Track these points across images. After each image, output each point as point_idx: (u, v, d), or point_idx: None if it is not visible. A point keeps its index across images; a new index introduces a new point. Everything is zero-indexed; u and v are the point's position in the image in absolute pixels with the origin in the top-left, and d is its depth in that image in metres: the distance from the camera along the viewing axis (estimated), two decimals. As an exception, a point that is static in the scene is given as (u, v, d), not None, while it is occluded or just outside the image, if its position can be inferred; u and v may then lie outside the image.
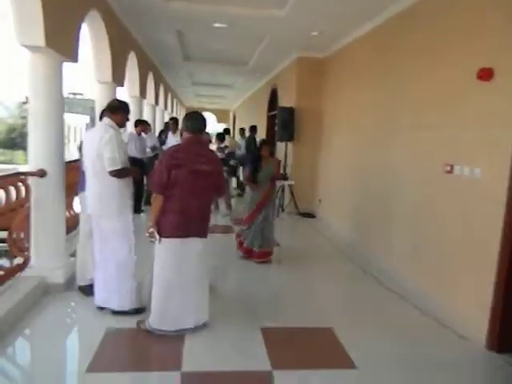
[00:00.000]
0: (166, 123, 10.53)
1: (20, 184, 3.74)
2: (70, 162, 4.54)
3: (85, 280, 3.78)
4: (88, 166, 3.36)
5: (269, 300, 4.09)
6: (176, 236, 3.06)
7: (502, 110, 3.17)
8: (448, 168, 3.76)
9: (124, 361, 2.92)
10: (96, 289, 3.48)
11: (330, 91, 7.70)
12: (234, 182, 10.22)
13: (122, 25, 6.21)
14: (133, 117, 6.58)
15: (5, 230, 3.68)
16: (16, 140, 35.62)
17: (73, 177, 4.52)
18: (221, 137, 8.68)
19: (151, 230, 3.06)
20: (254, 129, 10.66)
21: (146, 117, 9.68)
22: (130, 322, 3.28)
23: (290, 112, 8.09)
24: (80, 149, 3.83)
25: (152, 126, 9.18)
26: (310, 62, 8.03)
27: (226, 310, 3.71)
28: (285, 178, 5.28)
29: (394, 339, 3.35)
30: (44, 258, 3.83)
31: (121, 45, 6.12)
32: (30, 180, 3.75)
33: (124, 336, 3.20)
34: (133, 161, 3.94)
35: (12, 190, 3.72)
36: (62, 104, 3.89)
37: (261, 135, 10.96)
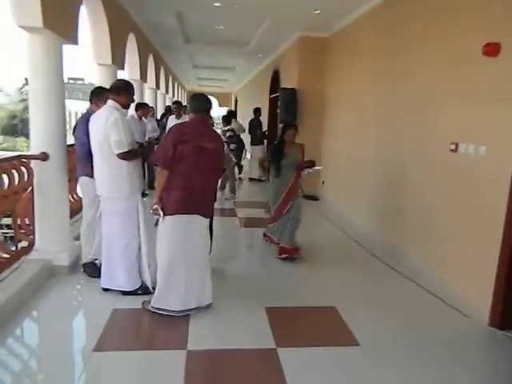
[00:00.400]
0: (168, 107, 10.45)
1: (23, 168, 3.74)
2: (71, 145, 4.52)
3: (85, 257, 3.86)
4: (95, 149, 3.35)
5: (273, 281, 4.12)
6: (180, 212, 3.06)
7: (509, 86, 3.11)
8: (453, 147, 3.72)
9: (130, 340, 2.95)
10: (102, 270, 3.51)
11: (333, 71, 7.59)
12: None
13: (121, 6, 6.11)
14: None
15: (9, 214, 3.70)
16: (18, 127, 35.55)
17: (74, 160, 4.53)
18: (226, 119, 8.58)
19: (155, 206, 3.06)
20: (258, 111, 10.37)
21: (147, 101, 9.61)
22: (136, 303, 3.31)
23: (292, 93, 8.00)
24: (74, 132, 3.84)
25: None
26: (313, 41, 7.89)
27: (231, 290, 3.74)
28: (313, 165, 4.54)
29: (397, 317, 3.38)
30: (48, 241, 3.86)
31: (120, 26, 6.03)
32: (33, 163, 3.74)
33: (130, 316, 3.23)
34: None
35: (15, 173, 3.71)
36: (62, 86, 3.85)
37: (263, 118, 10.87)
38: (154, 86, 10.11)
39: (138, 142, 3.58)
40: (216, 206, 4.03)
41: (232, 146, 8.04)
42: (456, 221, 3.69)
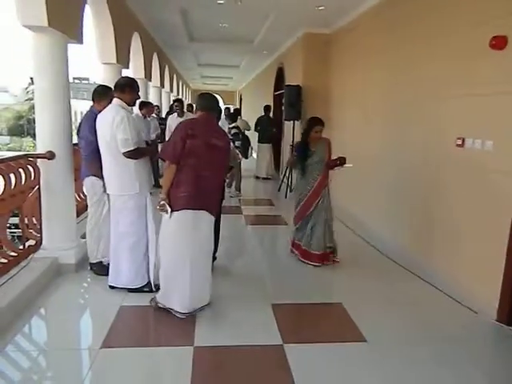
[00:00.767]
0: (172, 105, 10.46)
1: (30, 167, 3.76)
2: (76, 144, 4.55)
3: (93, 257, 3.87)
4: (103, 148, 3.36)
5: (279, 278, 4.12)
6: (188, 207, 3.03)
7: (516, 80, 3.08)
8: (459, 142, 3.69)
9: (137, 337, 2.96)
10: (110, 268, 3.53)
11: (338, 67, 7.56)
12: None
13: (125, 5, 6.12)
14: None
15: (16, 214, 3.72)
16: (24, 127, 35.82)
17: (80, 159, 4.54)
18: (232, 117, 8.55)
19: (162, 202, 3.04)
20: (267, 108, 10.14)
21: (152, 99, 9.63)
22: (143, 300, 3.32)
23: (296, 90, 7.97)
24: (78, 132, 3.83)
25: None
26: (317, 38, 7.85)
27: (237, 288, 3.75)
28: (344, 162, 4.19)
29: (404, 313, 3.37)
30: (55, 240, 3.88)
31: (124, 25, 6.05)
32: (39, 162, 3.77)
33: (137, 313, 3.25)
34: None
35: (22, 173, 3.74)
36: (67, 85, 3.87)
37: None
38: (159, 85, 10.13)
39: (146, 141, 3.58)
40: (222, 203, 4.04)
41: (237, 143, 8.00)
42: (463, 216, 3.66)
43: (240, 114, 10.06)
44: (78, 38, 4.05)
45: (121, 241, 3.45)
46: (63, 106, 3.78)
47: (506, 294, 3.18)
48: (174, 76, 14.08)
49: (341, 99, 7.35)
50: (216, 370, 2.62)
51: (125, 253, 3.44)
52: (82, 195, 5.20)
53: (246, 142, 8.04)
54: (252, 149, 8.19)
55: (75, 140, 4.14)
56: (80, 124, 3.87)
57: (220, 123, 4.07)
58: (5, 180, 3.36)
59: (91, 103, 3.87)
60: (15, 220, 3.89)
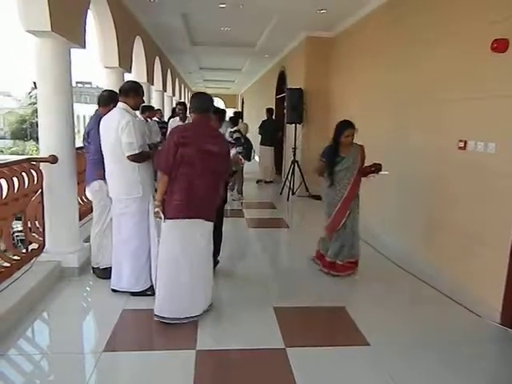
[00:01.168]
0: (174, 109, 10.49)
1: (33, 171, 3.78)
2: (79, 148, 4.56)
3: (96, 263, 3.88)
4: (107, 152, 3.38)
5: (282, 281, 4.11)
6: (181, 217, 3.00)
7: (518, 82, 3.08)
8: (461, 144, 3.68)
9: (140, 340, 2.96)
10: (112, 272, 3.53)
11: (340, 70, 7.57)
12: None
13: (128, 9, 6.15)
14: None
15: (19, 217, 3.74)
16: (27, 131, 35.98)
17: (83, 163, 4.56)
18: (234, 120, 8.54)
19: (157, 209, 3.03)
20: (270, 111, 10.06)
21: (154, 103, 9.65)
22: (145, 304, 3.32)
23: (298, 93, 7.99)
24: (87, 136, 3.83)
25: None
26: (319, 41, 7.87)
27: (239, 290, 3.75)
28: (379, 169, 3.90)
29: (407, 317, 3.36)
30: (58, 243, 3.89)
31: (126, 29, 6.08)
32: (42, 166, 3.78)
33: (139, 317, 3.24)
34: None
35: (25, 176, 3.75)
36: (70, 89, 3.88)
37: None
38: (161, 89, 10.17)
39: (148, 145, 3.59)
40: (225, 207, 4.04)
41: (239, 149, 7.92)
42: (466, 218, 3.65)
43: (241, 117, 10.02)
44: (81, 43, 4.07)
45: (123, 244, 3.45)
46: (66, 111, 3.79)
47: (509, 298, 3.16)
48: (177, 80, 14.14)
49: (343, 102, 7.36)
50: (218, 374, 2.61)
51: (127, 256, 3.45)
52: (84, 199, 5.22)
53: (248, 144, 8.03)
54: (254, 151, 8.17)
55: (78, 144, 4.16)
56: (87, 128, 3.88)
57: (223, 126, 4.05)
58: (8, 184, 3.37)
59: (94, 107, 3.88)
60: (18, 223, 3.90)
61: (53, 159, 3.73)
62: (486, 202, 3.41)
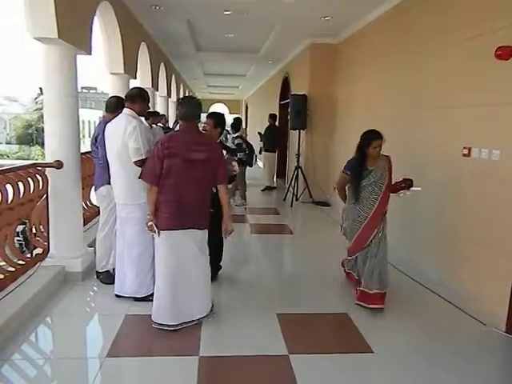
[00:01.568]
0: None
1: (38, 176, 3.80)
2: (84, 153, 4.59)
3: (101, 267, 3.88)
4: (113, 157, 3.40)
5: (285, 288, 4.10)
6: (172, 228, 2.97)
7: (522, 90, 3.08)
8: (465, 151, 3.68)
9: (143, 346, 2.96)
10: (116, 277, 3.54)
11: (344, 77, 7.59)
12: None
13: (133, 16, 6.21)
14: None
15: (24, 222, 3.76)
16: (33, 136, 36.23)
17: (87, 168, 4.59)
18: (236, 126, 8.55)
19: (150, 223, 2.99)
20: (272, 117, 10.02)
21: (159, 109, 9.71)
22: (148, 309, 3.31)
23: (302, 99, 8.01)
24: (96, 140, 3.85)
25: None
26: (323, 48, 7.91)
27: (242, 297, 3.74)
28: (411, 184, 3.55)
29: (412, 325, 3.33)
30: (63, 248, 3.91)
31: (132, 36, 6.13)
32: (48, 171, 3.81)
33: (143, 322, 3.24)
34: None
35: (30, 181, 3.78)
36: (76, 95, 3.92)
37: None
38: (166, 94, 10.23)
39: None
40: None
41: (240, 155, 7.85)
42: (471, 226, 3.64)
43: (241, 123, 9.86)
44: (87, 50, 4.11)
45: (127, 250, 3.46)
46: (72, 117, 3.83)
47: (514, 306, 3.14)
48: (181, 85, 14.22)
49: (347, 108, 7.37)
50: (221, 380, 2.60)
51: (131, 262, 3.46)
52: (89, 204, 5.24)
53: (250, 150, 8.04)
54: (256, 157, 8.17)
55: (83, 149, 4.18)
56: (95, 133, 3.90)
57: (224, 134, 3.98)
58: (13, 189, 3.39)
59: (99, 112, 3.92)
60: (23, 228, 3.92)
61: (58, 164, 3.76)
62: (491, 209, 3.40)
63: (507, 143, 3.22)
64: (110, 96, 4.16)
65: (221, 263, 4.15)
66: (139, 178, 3.05)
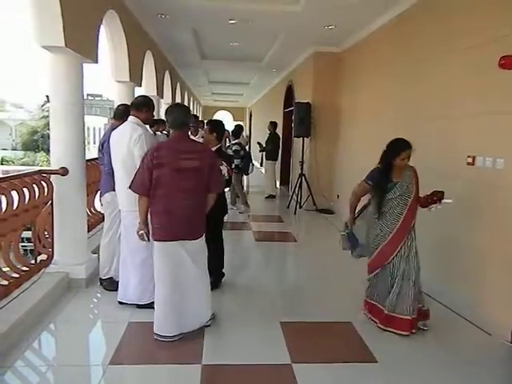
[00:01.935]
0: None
1: (43, 182, 3.83)
2: (89, 160, 4.61)
3: (104, 274, 3.90)
4: (117, 165, 3.42)
5: (288, 296, 4.09)
6: (165, 239, 2.94)
7: (526, 99, 3.08)
8: (470, 160, 3.67)
9: (146, 354, 2.95)
10: (119, 284, 3.55)
11: (347, 85, 7.62)
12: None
13: (139, 25, 6.28)
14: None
15: (28, 228, 3.78)
16: (38, 142, 36.47)
17: (92, 175, 4.61)
18: (236, 133, 8.55)
19: (141, 232, 2.97)
20: (274, 125, 10.00)
21: (164, 116, 9.75)
22: (151, 316, 3.30)
23: (306, 107, 8.04)
24: (102, 147, 3.88)
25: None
26: (327, 56, 7.95)
27: (246, 305, 3.73)
28: (441, 197, 3.29)
29: (416, 334, 3.28)
30: (67, 255, 3.92)
31: (138, 45, 6.20)
32: (53, 178, 3.84)
33: (146, 330, 3.23)
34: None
35: (35, 188, 3.80)
36: (82, 103, 3.96)
37: (277, 132, 10.87)
38: (171, 102, 10.28)
39: None
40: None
41: (237, 162, 7.80)
42: (477, 235, 3.61)
43: (242, 130, 9.82)
44: (94, 58, 4.16)
45: (130, 256, 3.47)
46: (77, 124, 3.86)
47: (520, 316, 3.11)
48: (186, 93, 14.31)
49: (350, 116, 7.39)
50: (224, 390, 2.59)
51: (134, 268, 3.46)
52: (93, 210, 5.26)
53: (247, 157, 8.05)
54: (253, 165, 8.17)
55: (88, 156, 4.20)
56: (102, 139, 3.93)
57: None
58: (19, 195, 3.42)
59: (104, 119, 3.95)
60: (27, 234, 3.93)
61: (63, 171, 3.78)
62: (495, 219, 3.38)
63: (511, 152, 3.22)
64: (118, 104, 4.20)
65: (223, 270, 4.15)
66: (129, 188, 2.99)
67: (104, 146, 3.79)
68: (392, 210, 3.28)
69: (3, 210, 3.22)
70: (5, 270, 3.41)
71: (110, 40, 5.46)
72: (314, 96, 8.13)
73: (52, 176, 3.83)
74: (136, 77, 6.10)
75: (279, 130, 10.75)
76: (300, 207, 8.13)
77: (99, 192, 4.02)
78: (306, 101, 8.19)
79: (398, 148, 3.27)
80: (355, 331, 3.30)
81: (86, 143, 4.44)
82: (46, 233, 4.02)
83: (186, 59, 9.74)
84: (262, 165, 10.16)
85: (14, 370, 2.63)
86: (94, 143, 31.62)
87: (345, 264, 5.15)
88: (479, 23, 3.67)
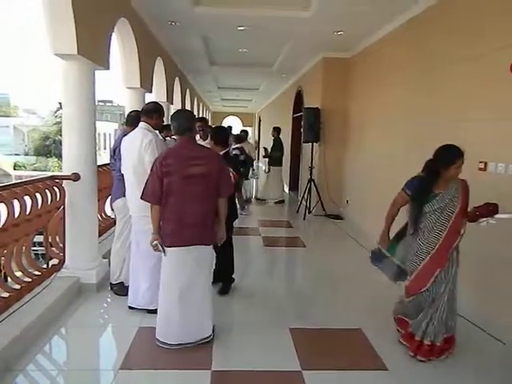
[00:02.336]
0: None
1: (55, 188, 3.88)
2: (100, 165, 4.66)
3: (115, 279, 3.92)
4: (128, 170, 3.46)
5: (297, 302, 4.07)
6: (175, 245, 2.94)
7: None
8: (481, 165, 3.64)
9: (156, 359, 2.95)
10: (129, 289, 3.57)
11: (356, 91, 7.61)
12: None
13: (150, 32, 6.36)
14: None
15: (40, 232, 3.83)
16: (50, 147, 36.93)
17: (103, 181, 4.66)
18: (237, 138, 8.55)
19: (155, 242, 2.95)
20: (278, 130, 10.07)
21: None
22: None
23: (315, 112, 8.04)
24: (114, 153, 3.92)
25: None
26: (336, 62, 7.96)
27: (255, 311, 3.73)
28: (495, 211, 2.86)
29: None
30: (78, 259, 3.95)
31: (148, 52, 6.27)
32: (65, 183, 3.88)
33: (155, 335, 3.24)
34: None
35: (48, 193, 3.85)
36: (94, 109, 4.02)
37: (286, 137, 10.87)
38: (180, 108, 10.37)
39: None
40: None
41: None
42: (487, 241, 3.57)
43: (246, 135, 9.80)
44: (105, 65, 4.22)
45: (141, 262, 3.49)
46: (89, 130, 3.91)
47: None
48: (195, 99, 14.40)
49: (360, 121, 7.37)
50: (233, 396, 2.58)
51: (144, 274, 3.48)
52: (104, 215, 5.31)
53: (247, 163, 8.06)
54: (254, 171, 8.18)
55: (99, 162, 4.25)
56: (114, 145, 3.98)
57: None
58: (32, 200, 3.47)
59: (115, 125, 4.01)
60: (39, 238, 3.98)
61: (75, 177, 3.83)
62: (509, 226, 3.33)
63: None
64: (130, 110, 4.26)
65: (233, 276, 4.15)
66: (141, 197, 2.99)
67: (116, 152, 3.83)
68: (431, 225, 2.92)
69: (16, 215, 3.27)
70: (17, 274, 3.46)
71: (121, 47, 5.53)
72: (324, 101, 8.13)
73: (64, 181, 3.88)
74: (146, 83, 6.17)
75: (288, 136, 10.76)
76: (309, 212, 8.11)
77: (110, 197, 4.05)
78: (315, 106, 8.20)
79: (453, 155, 2.92)
80: (365, 338, 3.27)
81: (97, 149, 4.48)
82: (57, 237, 4.06)
83: (196, 65, 9.82)
84: (269, 170, 10.14)
85: (26, 374, 2.66)
86: (105, 149, 31.96)
87: (354, 270, 5.13)
88: (491, 30, 3.65)
